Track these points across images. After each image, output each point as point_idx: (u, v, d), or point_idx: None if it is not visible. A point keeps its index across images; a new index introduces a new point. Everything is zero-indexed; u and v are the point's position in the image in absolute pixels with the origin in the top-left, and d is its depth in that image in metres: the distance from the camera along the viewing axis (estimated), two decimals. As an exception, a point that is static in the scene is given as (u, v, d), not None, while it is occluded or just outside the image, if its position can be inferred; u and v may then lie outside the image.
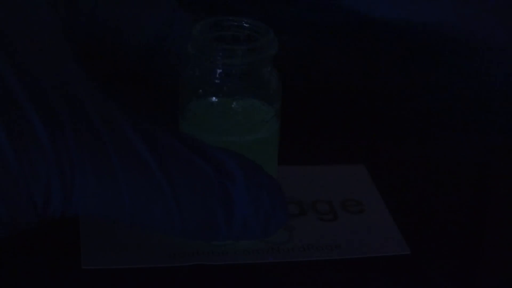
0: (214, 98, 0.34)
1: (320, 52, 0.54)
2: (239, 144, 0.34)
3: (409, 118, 0.48)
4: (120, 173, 0.30)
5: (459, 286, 0.36)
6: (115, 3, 0.36)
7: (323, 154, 0.44)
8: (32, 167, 0.29)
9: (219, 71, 0.34)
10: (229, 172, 0.32)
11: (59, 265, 0.35)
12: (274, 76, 0.35)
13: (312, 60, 0.54)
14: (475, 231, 0.40)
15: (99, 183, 0.30)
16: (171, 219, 0.31)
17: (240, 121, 0.34)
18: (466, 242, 0.39)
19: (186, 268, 0.35)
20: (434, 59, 0.53)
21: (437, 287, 0.36)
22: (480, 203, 0.42)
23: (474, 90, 0.51)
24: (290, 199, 0.40)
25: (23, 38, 0.30)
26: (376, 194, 0.41)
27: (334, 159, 0.43)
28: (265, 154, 0.35)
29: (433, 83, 0.52)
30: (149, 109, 0.38)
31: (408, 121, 0.48)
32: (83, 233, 0.36)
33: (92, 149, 0.29)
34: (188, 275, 0.35)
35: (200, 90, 0.34)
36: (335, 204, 0.40)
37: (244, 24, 0.35)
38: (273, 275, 0.36)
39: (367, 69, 0.53)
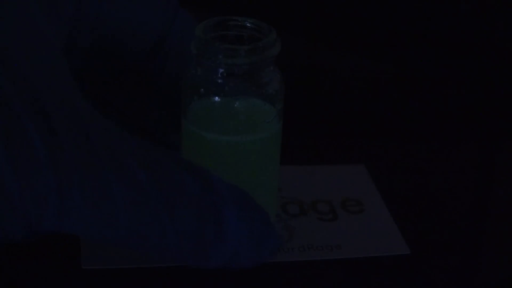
0: (216, 97, 0.34)
1: (320, 52, 0.54)
2: (240, 144, 0.34)
3: (409, 118, 0.49)
4: (117, 194, 0.30)
5: (459, 286, 0.36)
6: (116, 3, 0.35)
7: (323, 154, 0.44)
8: (30, 187, 0.28)
9: (221, 70, 0.34)
10: (222, 194, 0.31)
11: (59, 265, 0.35)
12: (277, 76, 0.35)
13: (312, 60, 0.54)
14: (475, 231, 0.40)
15: (95, 204, 0.29)
16: (165, 237, 0.31)
17: (242, 121, 0.34)
18: (466, 241, 0.39)
19: (186, 268, 0.35)
20: (434, 59, 0.53)
21: (437, 287, 0.36)
22: (480, 203, 0.42)
23: (474, 90, 0.52)
24: (290, 199, 0.40)
25: (22, 54, 0.30)
26: (376, 194, 0.41)
27: (334, 159, 0.43)
28: (267, 154, 0.35)
29: (433, 82, 0.53)
30: (150, 109, 0.38)
31: (408, 121, 0.48)
32: (83, 233, 0.36)
33: (91, 170, 0.29)
34: (188, 275, 0.35)
35: (202, 90, 0.34)
36: (335, 204, 0.40)
37: (247, 24, 0.35)
38: (273, 275, 0.36)
39: (366, 69, 0.53)
